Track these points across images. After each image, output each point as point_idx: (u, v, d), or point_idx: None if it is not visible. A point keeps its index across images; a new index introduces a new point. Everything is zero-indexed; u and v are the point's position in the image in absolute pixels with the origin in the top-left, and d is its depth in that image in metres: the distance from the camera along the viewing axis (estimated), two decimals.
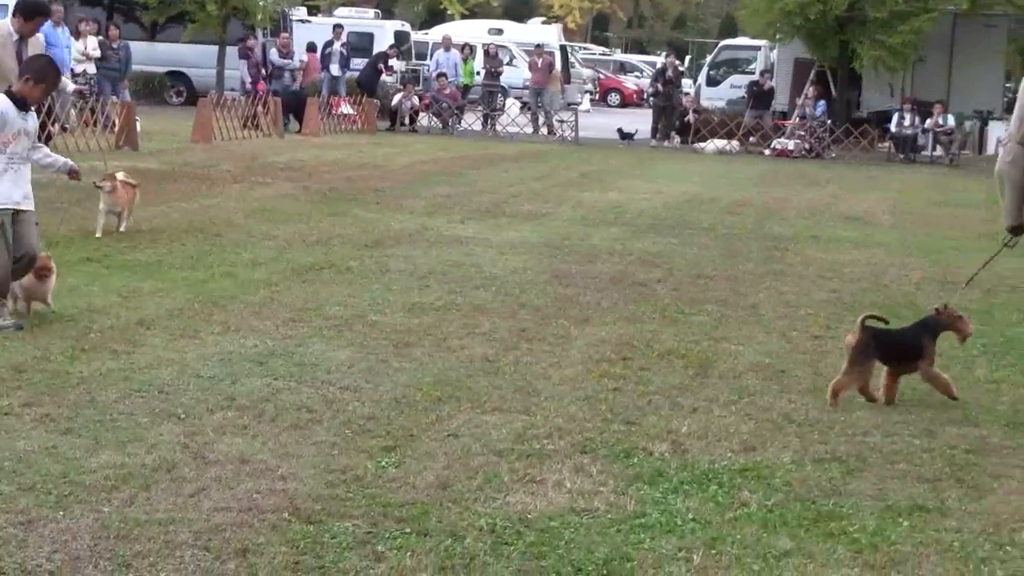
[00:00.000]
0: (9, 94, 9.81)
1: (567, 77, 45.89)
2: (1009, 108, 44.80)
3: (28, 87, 9.79)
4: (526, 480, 6.85)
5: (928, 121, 34.51)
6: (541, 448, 7.42)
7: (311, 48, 37.32)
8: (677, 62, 41.77)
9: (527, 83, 39.43)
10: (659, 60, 57.38)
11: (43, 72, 9.92)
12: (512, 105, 39.87)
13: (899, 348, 8.94)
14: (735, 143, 34.59)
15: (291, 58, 35.50)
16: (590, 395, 8.66)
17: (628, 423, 8.02)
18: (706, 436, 7.80)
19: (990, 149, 37.19)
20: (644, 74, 63.59)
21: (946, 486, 7.03)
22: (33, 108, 10.03)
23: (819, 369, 9.69)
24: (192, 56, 39.61)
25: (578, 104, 43.83)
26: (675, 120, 36.57)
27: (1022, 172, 8.60)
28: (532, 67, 38.63)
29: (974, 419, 8.45)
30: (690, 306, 11.97)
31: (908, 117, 34.44)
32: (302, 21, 44.48)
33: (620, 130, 36.75)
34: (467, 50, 40.06)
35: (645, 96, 53.33)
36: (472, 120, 37.21)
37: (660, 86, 37.33)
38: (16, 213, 9.69)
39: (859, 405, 8.68)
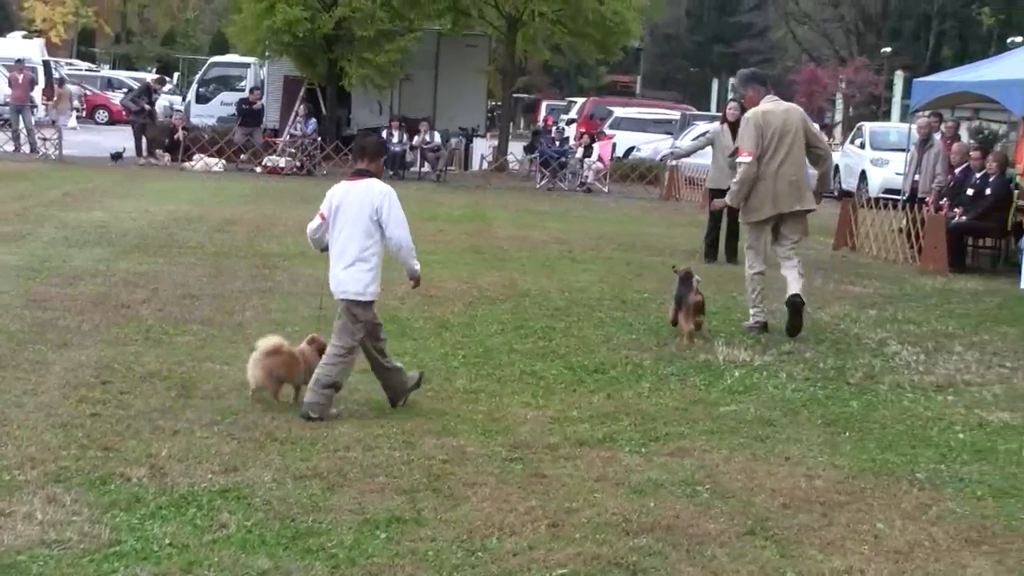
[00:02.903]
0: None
1: (50, 93, 44.30)
2: (492, 126, 46.79)
3: (376, 165, 9.38)
4: None
5: (415, 138, 35.37)
6: (11, 479, 7.14)
7: None
8: (156, 77, 41.14)
9: (7, 99, 37.85)
10: (147, 76, 56.37)
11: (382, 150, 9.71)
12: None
13: None
14: (223, 161, 34.38)
15: None
16: (67, 422, 8.39)
17: (106, 449, 7.83)
18: (187, 459, 7.70)
19: (475, 165, 38.57)
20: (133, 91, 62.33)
21: (423, 496, 7.21)
22: None
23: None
24: None
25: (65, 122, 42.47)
26: (163, 137, 35.94)
27: (755, 178, 13.06)
28: (12, 83, 37.12)
29: (452, 429, 8.72)
30: (175, 327, 11.80)
31: (396, 135, 35.19)
32: None
33: (113, 154, 35.28)
34: None
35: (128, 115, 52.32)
36: None
37: (146, 104, 36.56)
38: None
39: (343, 421, 8.80)
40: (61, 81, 41.71)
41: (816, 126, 14.34)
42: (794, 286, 12.88)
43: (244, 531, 6.52)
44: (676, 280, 12.90)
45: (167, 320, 12.12)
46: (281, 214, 22.78)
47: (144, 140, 35.74)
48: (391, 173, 34.79)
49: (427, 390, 9.78)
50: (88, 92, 61.54)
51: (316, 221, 9.23)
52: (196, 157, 34.29)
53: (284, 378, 9.30)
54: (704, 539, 6.70)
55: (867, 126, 40.94)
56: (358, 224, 8.98)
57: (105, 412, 8.70)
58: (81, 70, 71.43)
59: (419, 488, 7.36)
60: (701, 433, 8.95)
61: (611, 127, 43.86)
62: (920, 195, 22.16)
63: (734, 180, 13.30)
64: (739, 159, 13.25)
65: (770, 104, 13.30)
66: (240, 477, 7.41)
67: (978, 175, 20.65)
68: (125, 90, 64.84)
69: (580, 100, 58.90)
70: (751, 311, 13.33)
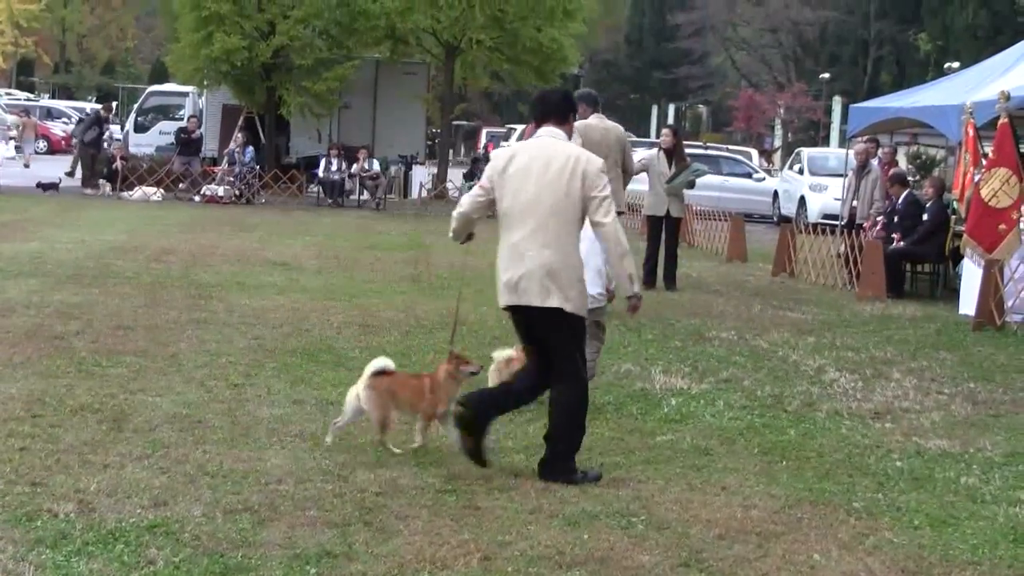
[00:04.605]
0: None
1: None
2: (431, 154, 46.81)
3: None
4: None
5: (355, 166, 35.29)
6: None
7: None
8: (104, 105, 40.90)
9: None
10: (88, 106, 56.05)
11: None
12: None
13: None
14: (161, 190, 34.14)
15: None
16: None
17: (34, 484, 7.69)
18: (116, 493, 7.59)
19: (415, 193, 38.51)
20: (72, 120, 61.81)
21: (354, 530, 7.12)
22: None
23: (237, 418, 9.65)
24: None
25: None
26: (103, 167, 35.73)
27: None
28: None
29: (385, 461, 8.64)
30: (108, 358, 11.65)
31: (335, 162, 35.12)
32: None
33: (44, 184, 34.79)
34: None
35: (75, 142, 51.84)
36: None
37: (97, 134, 36.31)
38: None
39: (275, 454, 8.70)
40: (26, 111, 41.21)
41: (631, 146, 16.91)
42: None
43: (172, 567, 6.41)
44: None
45: (100, 352, 11.96)
46: (219, 243, 22.64)
47: (92, 169, 35.53)
48: (329, 201, 34.76)
49: (360, 421, 9.66)
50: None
51: None
52: (135, 187, 34.09)
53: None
54: (639, 571, 6.66)
55: (805, 152, 41.24)
56: None
57: (34, 446, 8.56)
58: (21, 99, 70.83)
59: (351, 521, 7.28)
60: (637, 463, 8.91)
61: None
62: (858, 221, 22.28)
63: None
64: None
65: (595, 120, 15.55)
66: (169, 512, 7.30)
67: None
68: (64, 120, 64.72)
69: (520, 127, 58.83)
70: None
